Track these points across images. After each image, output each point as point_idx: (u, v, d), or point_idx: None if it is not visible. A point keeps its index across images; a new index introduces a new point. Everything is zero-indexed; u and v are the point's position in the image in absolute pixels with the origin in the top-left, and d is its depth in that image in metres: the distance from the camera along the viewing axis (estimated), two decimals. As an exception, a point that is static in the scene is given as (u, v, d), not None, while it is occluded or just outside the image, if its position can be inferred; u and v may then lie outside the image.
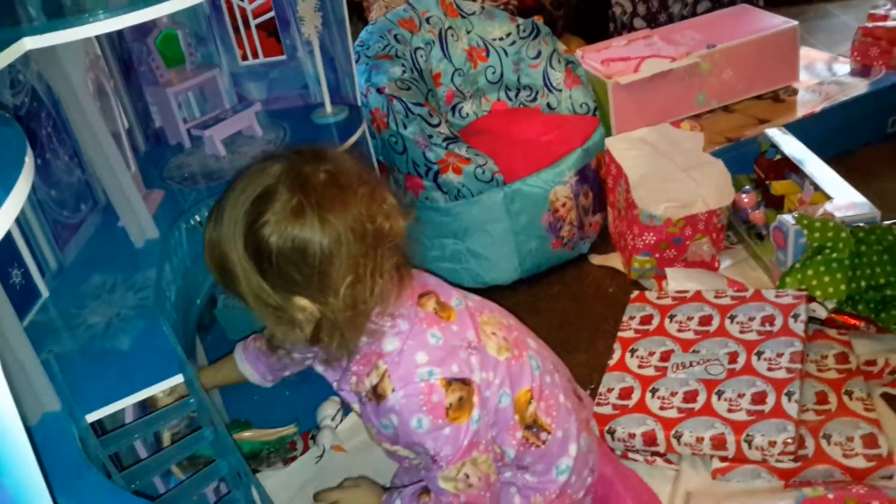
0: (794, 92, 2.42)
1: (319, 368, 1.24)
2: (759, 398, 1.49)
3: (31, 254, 1.38)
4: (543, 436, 1.23)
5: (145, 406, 1.28)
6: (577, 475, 1.28)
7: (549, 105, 2.25)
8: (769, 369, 1.54)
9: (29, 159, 0.88)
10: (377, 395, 1.10)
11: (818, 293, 1.72)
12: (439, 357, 1.11)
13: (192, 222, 1.47)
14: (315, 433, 1.68)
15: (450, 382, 1.10)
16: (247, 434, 1.63)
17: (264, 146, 1.80)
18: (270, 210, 1.00)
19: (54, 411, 1.16)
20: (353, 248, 1.02)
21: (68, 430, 1.12)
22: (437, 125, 1.96)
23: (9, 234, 1.34)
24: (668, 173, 1.99)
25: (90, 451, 1.11)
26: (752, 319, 1.66)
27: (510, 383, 1.19)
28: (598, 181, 2.14)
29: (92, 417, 1.13)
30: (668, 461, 1.52)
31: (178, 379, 1.19)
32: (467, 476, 1.14)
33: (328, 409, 1.69)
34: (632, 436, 1.50)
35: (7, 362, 1.10)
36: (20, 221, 1.36)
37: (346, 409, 1.72)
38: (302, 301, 1.04)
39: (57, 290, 1.41)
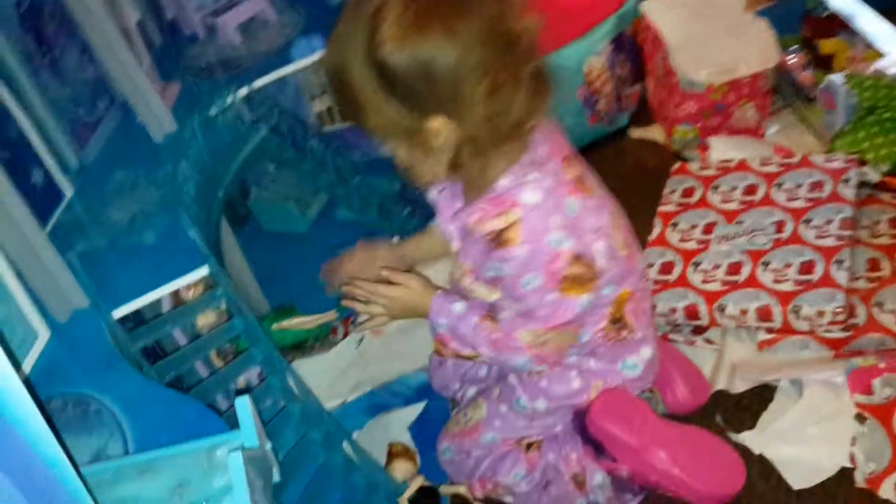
0: (845, -58, 2.24)
1: (441, 198, 1.16)
2: (806, 268, 1.42)
3: (51, 154, 1.36)
4: (624, 333, 1.19)
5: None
6: (641, 379, 1.25)
7: (580, -30, 2.12)
8: (818, 237, 1.47)
9: None
10: (501, 240, 1.02)
11: (870, 155, 1.61)
12: (573, 228, 1.03)
13: (207, 114, 1.42)
14: (355, 318, 1.67)
15: (578, 258, 1.03)
16: (286, 323, 1.63)
17: (280, 30, 1.73)
18: (387, 24, 0.89)
19: (83, 308, 1.15)
20: (484, 54, 0.91)
21: (98, 326, 1.12)
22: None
23: (23, 136, 1.32)
24: (709, 36, 1.86)
25: (121, 345, 1.10)
26: (799, 186, 1.58)
27: (619, 279, 1.14)
28: (635, 49, 2.02)
29: (119, 313, 1.12)
30: (710, 341, 1.48)
31: (204, 271, 1.17)
32: (547, 343, 1.10)
33: None
34: (673, 311, 1.45)
35: (31, 265, 1.10)
36: (37, 121, 1.34)
37: None
38: (438, 121, 0.95)
39: (80, 189, 1.40)
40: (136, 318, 1.14)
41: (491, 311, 1.14)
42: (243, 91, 1.50)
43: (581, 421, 1.24)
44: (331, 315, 1.65)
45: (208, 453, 0.84)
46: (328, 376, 1.56)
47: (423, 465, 1.39)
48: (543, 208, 1.01)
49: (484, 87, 0.92)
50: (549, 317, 1.07)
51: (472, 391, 1.39)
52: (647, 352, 1.24)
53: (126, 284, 1.17)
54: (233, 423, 1.04)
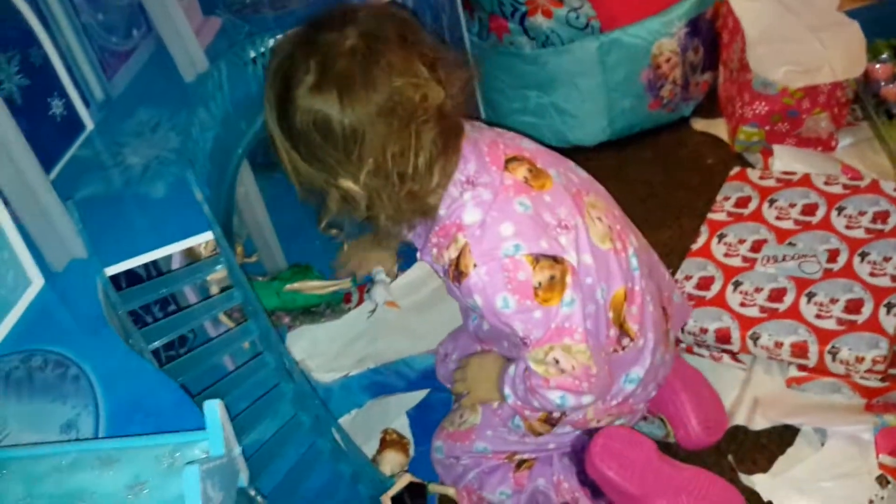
0: (965, -60, 2.05)
1: (409, 236, 1.17)
2: (853, 306, 1.33)
3: (74, 83, 1.30)
4: (625, 341, 1.12)
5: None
6: (643, 387, 1.18)
7: (667, -60, 1.97)
8: (871, 274, 1.37)
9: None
10: (459, 271, 1.01)
11: (947, 190, 1.50)
12: (527, 229, 1.00)
13: (237, 59, 1.35)
14: (370, 287, 1.62)
15: (537, 259, 0.99)
16: (298, 285, 1.58)
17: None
18: (293, 84, 0.94)
19: (80, 259, 1.11)
20: (381, 124, 0.93)
21: (92, 281, 1.08)
22: (531, -41, 1.74)
23: (48, 62, 1.26)
24: (793, 32, 1.73)
25: (111, 304, 1.06)
26: (862, 214, 1.47)
27: (607, 277, 1.08)
28: (711, 35, 1.89)
29: (114, 270, 1.08)
30: (737, 359, 1.40)
31: (208, 236, 1.11)
32: (557, 361, 1.04)
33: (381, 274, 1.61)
34: (703, 331, 1.37)
35: (30, 207, 1.05)
36: (60, 47, 1.28)
37: (402, 264, 1.64)
38: (343, 182, 0.98)
39: (102, 124, 1.34)
40: (131, 278, 1.10)
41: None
42: (279, 37, 1.42)
43: (580, 459, 1.18)
44: (345, 283, 1.60)
45: (171, 453, 0.80)
46: (335, 345, 1.52)
47: (417, 455, 1.36)
48: (488, 223, 1.00)
49: (380, 157, 0.95)
50: (543, 334, 1.03)
51: None
52: (647, 360, 1.16)
53: (126, 240, 1.12)
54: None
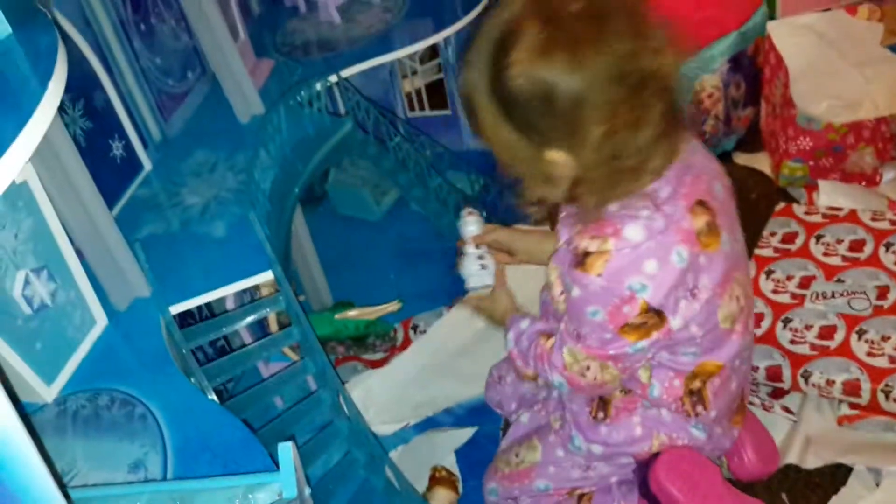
0: None
1: (562, 215, 1.10)
2: (906, 344, 1.32)
3: (134, 125, 1.34)
4: (699, 409, 1.11)
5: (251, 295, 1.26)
6: (708, 443, 1.17)
7: (706, -23, 1.99)
8: (923, 311, 1.36)
9: (56, 84, 0.78)
10: (583, 262, 0.96)
11: None
12: (665, 279, 0.95)
13: (294, 103, 1.38)
14: (415, 323, 1.62)
15: (649, 308, 0.96)
16: (351, 313, 1.60)
17: (381, 14, 1.67)
18: (515, 49, 0.86)
19: (144, 297, 1.14)
20: (610, 92, 0.85)
21: (155, 320, 1.10)
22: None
23: (110, 105, 1.30)
24: (836, 68, 1.73)
25: (175, 343, 1.08)
26: (911, 250, 1.46)
27: (707, 349, 1.06)
28: (753, 70, 1.89)
29: (177, 309, 1.10)
30: (787, 409, 1.39)
31: (268, 275, 1.13)
32: (588, 368, 1.04)
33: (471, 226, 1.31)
34: (755, 369, 1.37)
35: (96, 247, 1.08)
36: (121, 90, 1.32)
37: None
38: (554, 154, 0.91)
39: (159, 164, 1.38)
40: (193, 316, 1.12)
41: (550, 332, 1.11)
42: (333, 79, 1.45)
43: (643, 474, 1.17)
44: (394, 306, 1.60)
45: (244, 494, 0.81)
46: (389, 394, 1.51)
47: (465, 492, 1.35)
48: (640, 249, 0.94)
49: (605, 128, 0.87)
50: (597, 346, 1.01)
51: (526, 416, 1.33)
52: (712, 431, 1.15)
53: (188, 279, 1.14)
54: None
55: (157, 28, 1.40)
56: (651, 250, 0.94)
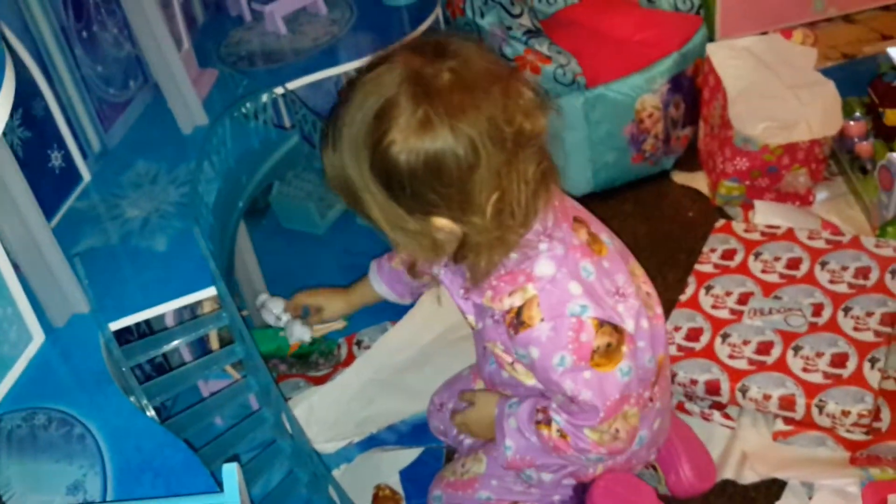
0: (930, 4, 2.14)
1: (446, 277, 1.11)
2: (839, 360, 1.36)
3: (73, 135, 1.30)
4: (650, 405, 1.13)
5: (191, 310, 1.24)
6: (646, 449, 1.20)
7: (648, -2, 2.03)
8: (855, 329, 1.40)
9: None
10: (520, 322, 0.98)
11: (923, 248, 1.55)
12: (592, 293, 0.98)
13: (239, 114, 1.36)
14: (360, 339, 1.61)
15: (602, 324, 0.98)
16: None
17: (328, 26, 1.66)
18: (395, 126, 0.86)
19: (82, 313, 1.11)
20: (493, 156, 0.88)
21: (94, 336, 1.07)
22: (519, 16, 1.79)
23: (49, 114, 1.27)
24: (772, 90, 1.78)
25: (114, 360, 1.06)
26: (845, 269, 1.51)
27: (654, 344, 1.08)
28: (692, 91, 1.94)
29: (116, 325, 1.07)
30: (727, 416, 1.42)
31: (211, 291, 1.11)
32: (617, 431, 1.04)
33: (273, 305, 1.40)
34: (694, 382, 1.40)
35: (33, 262, 1.05)
36: (61, 100, 1.28)
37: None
38: (441, 221, 0.92)
39: (99, 175, 1.34)
40: (133, 332, 1.09)
41: (543, 413, 1.10)
42: (279, 90, 1.43)
43: (580, 499, 1.19)
44: (339, 324, 1.59)
45: (186, 517, 0.80)
46: (332, 411, 1.50)
47: (409, 512, 1.35)
48: (559, 279, 0.97)
49: (493, 192, 0.90)
50: (600, 404, 1.01)
51: (469, 440, 1.34)
52: (656, 423, 1.18)
53: (129, 294, 1.11)
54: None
55: (99, 36, 1.37)
56: (566, 276, 0.98)
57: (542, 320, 0.97)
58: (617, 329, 1.00)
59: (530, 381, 1.10)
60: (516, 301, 0.98)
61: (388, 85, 0.88)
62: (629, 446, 1.08)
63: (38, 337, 1.08)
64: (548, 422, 1.08)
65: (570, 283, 0.97)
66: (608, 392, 1.01)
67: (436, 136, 0.86)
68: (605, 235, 1.07)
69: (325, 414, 1.48)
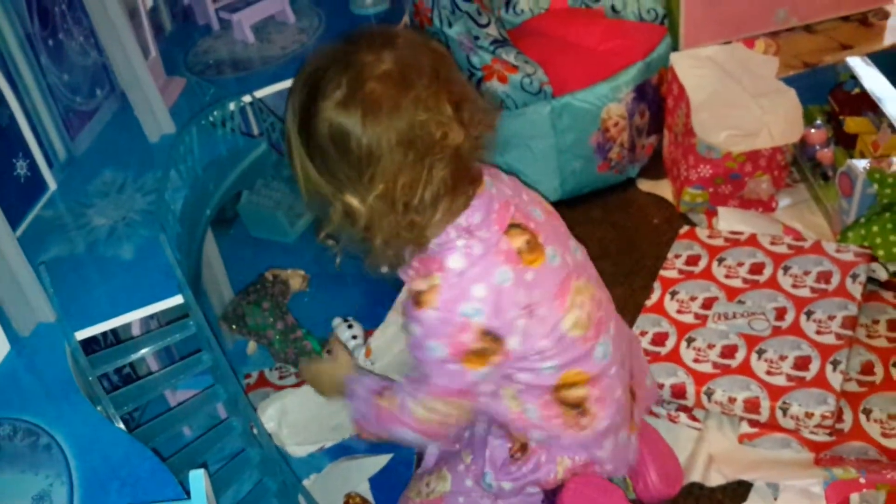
0: (886, 16, 2.18)
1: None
2: (802, 363, 1.38)
3: (39, 143, 1.29)
4: (585, 421, 1.15)
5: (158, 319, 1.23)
6: (610, 462, 1.21)
7: (613, 8, 2.05)
8: (818, 332, 1.43)
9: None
10: (418, 300, 1.03)
11: (881, 253, 1.57)
12: (494, 301, 1.02)
13: (206, 122, 1.36)
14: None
15: (486, 333, 1.02)
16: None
17: (296, 35, 1.67)
18: (320, 95, 0.94)
19: (48, 322, 1.10)
20: (397, 154, 0.94)
21: (60, 346, 1.06)
22: (486, 25, 1.80)
23: (14, 122, 1.26)
24: (735, 98, 1.81)
25: (80, 370, 1.05)
26: (807, 273, 1.53)
27: (564, 358, 1.10)
28: (657, 99, 1.96)
29: (82, 334, 1.06)
30: (694, 418, 1.44)
31: (178, 300, 1.11)
32: (434, 410, 1.10)
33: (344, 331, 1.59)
34: (660, 386, 1.41)
35: (-2, 271, 1.04)
36: (26, 109, 1.27)
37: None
38: (349, 198, 0.98)
39: (65, 183, 1.34)
40: (99, 342, 1.09)
41: (385, 388, 1.17)
42: (247, 98, 1.43)
43: (551, 502, 1.20)
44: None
45: (153, 524, 0.79)
46: (305, 412, 1.48)
47: (380, 520, 1.35)
48: (466, 276, 1.01)
49: (389, 183, 0.95)
50: (446, 387, 1.07)
51: (433, 448, 1.34)
52: (608, 442, 1.19)
53: (94, 303, 1.11)
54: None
55: (65, 44, 1.36)
56: (476, 275, 1.02)
57: (435, 308, 1.01)
58: (497, 341, 1.03)
59: None
60: (422, 286, 1.03)
61: (331, 59, 0.95)
62: (444, 430, 1.14)
63: (2, 346, 1.07)
64: (386, 394, 1.15)
65: (475, 284, 1.01)
66: (456, 381, 1.06)
67: (348, 117, 0.92)
68: (553, 249, 1.08)
69: (297, 417, 1.47)
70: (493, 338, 1.03)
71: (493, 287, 1.01)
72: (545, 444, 1.18)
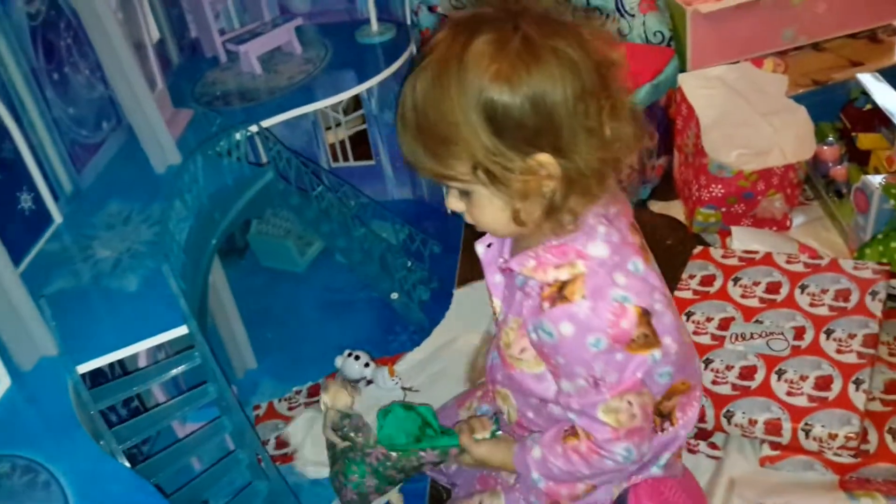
0: (895, 32, 2.17)
1: (486, 254, 1.08)
2: (823, 383, 1.34)
3: (44, 177, 1.29)
4: (666, 424, 1.10)
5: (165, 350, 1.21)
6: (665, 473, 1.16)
7: (619, 31, 2.05)
8: (838, 351, 1.39)
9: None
10: (561, 296, 0.93)
11: (901, 268, 1.55)
12: (637, 286, 0.96)
13: (211, 152, 1.35)
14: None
15: (644, 313, 0.95)
16: None
17: (302, 65, 1.67)
18: (493, 66, 0.84)
19: (50, 356, 1.08)
20: (590, 84, 0.86)
21: (62, 380, 1.05)
22: (493, 51, 1.79)
23: (19, 156, 1.26)
24: (745, 117, 1.80)
25: (83, 404, 1.03)
26: (825, 292, 1.50)
27: (681, 365, 1.06)
28: (666, 120, 1.95)
29: (87, 367, 1.05)
30: (713, 445, 1.40)
31: (183, 330, 1.10)
32: (630, 405, 0.99)
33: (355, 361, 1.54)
34: (677, 410, 1.38)
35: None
36: (31, 142, 1.27)
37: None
38: (543, 157, 0.88)
39: (70, 217, 1.33)
40: (102, 375, 1.07)
41: (566, 429, 1.06)
42: (254, 128, 1.43)
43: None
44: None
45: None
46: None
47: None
48: (609, 264, 0.94)
49: (592, 119, 0.88)
50: (619, 380, 0.97)
51: (462, 471, 1.30)
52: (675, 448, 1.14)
53: (99, 335, 1.09)
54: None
55: (70, 77, 1.37)
56: (616, 264, 0.95)
57: (584, 297, 0.93)
58: (654, 330, 0.97)
59: (536, 370, 1.05)
60: (563, 275, 0.94)
61: (487, 16, 0.87)
62: (647, 424, 1.03)
63: (3, 381, 1.05)
64: (574, 433, 1.04)
65: (617, 272, 0.94)
66: (630, 369, 0.97)
67: (534, 71, 0.84)
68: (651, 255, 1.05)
69: (321, 434, 1.44)
70: (649, 321, 0.96)
71: (629, 276, 0.96)
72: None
